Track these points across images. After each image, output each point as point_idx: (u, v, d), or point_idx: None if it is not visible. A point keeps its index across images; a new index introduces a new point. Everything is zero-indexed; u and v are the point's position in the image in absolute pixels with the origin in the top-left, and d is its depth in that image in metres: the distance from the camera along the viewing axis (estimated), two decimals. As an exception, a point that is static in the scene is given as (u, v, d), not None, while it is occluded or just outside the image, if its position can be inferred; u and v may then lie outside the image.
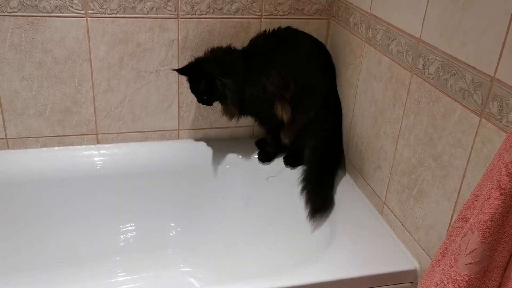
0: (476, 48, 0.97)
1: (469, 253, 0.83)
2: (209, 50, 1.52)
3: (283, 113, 1.51)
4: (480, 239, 0.81)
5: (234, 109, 1.52)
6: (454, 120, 1.05)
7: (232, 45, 1.56)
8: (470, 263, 0.83)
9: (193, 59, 1.51)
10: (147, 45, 1.55)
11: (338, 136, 1.62)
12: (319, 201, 1.43)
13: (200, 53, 1.57)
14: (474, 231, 0.82)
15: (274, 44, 1.52)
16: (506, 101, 0.90)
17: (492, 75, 0.94)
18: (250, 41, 1.57)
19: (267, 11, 1.59)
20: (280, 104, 1.51)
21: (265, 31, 1.55)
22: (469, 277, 0.83)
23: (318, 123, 1.54)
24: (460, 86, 1.02)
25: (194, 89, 1.52)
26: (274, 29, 1.54)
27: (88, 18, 1.46)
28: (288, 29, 1.55)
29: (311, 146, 1.55)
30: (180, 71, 1.50)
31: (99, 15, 1.47)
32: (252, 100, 1.51)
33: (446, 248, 0.93)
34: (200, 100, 1.53)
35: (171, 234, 1.74)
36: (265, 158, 1.68)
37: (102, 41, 1.50)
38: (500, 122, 0.92)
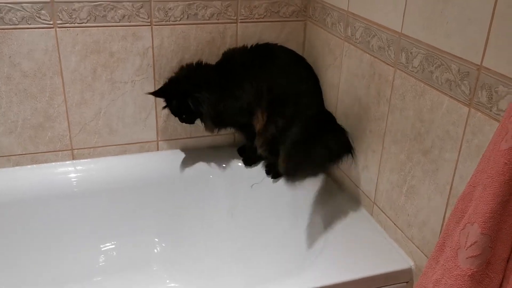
0: (461, 38, 0.95)
1: (469, 246, 0.80)
2: (180, 68, 1.51)
3: (258, 122, 1.49)
4: (480, 231, 0.78)
5: (211, 123, 1.50)
6: (442, 113, 1.03)
7: (203, 60, 1.53)
8: (471, 256, 0.80)
9: (166, 80, 1.49)
10: (120, 55, 1.49)
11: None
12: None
13: (176, 60, 1.54)
14: (474, 222, 0.80)
15: (249, 59, 1.51)
16: (495, 89, 0.89)
17: (479, 64, 0.92)
18: (224, 53, 1.55)
19: (243, 14, 1.56)
20: (259, 112, 1.48)
21: (243, 46, 1.54)
22: (471, 271, 0.80)
23: (295, 134, 1.49)
24: (446, 77, 1.00)
25: (172, 110, 1.50)
26: (252, 45, 1.53)
27: (57, 29, 1.41)
28: (267, 45, 1.54)
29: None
30: (155, 93, 1.48)
31: (68, 25, 1.41)
32: (228, 112, 1.50)
33: (444, 243, 0.90)
34: (181, 120, 1.51)
35: (155, 250, 1.67)
36: (249, 162, 1.64)
37: (73, 52, 1.44)
38: (490, 110, 0.90)
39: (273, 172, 1.58)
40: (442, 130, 1.03)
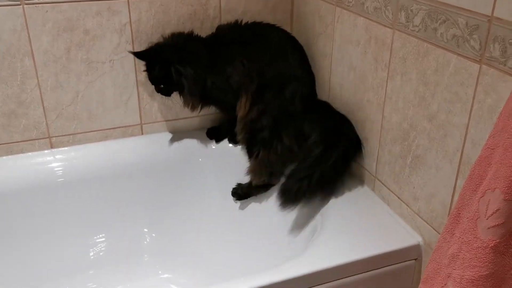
0: (468, -13, 0.86)
1: (491, 215, 0.72)
2: (169, 35, 1.40)
3: (242, 107, 1.40)
4: (503, 197, 0.70)
5: (194, 99, 1.41)
6: (449, 73, 0.94)
7: (195, 32, 1.44)
8: (494, 226, 0.72)
9: (152, 44, 1.39)
10: (96, 32, 1.38)
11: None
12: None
13: (157, 36, 1.43)
14: (495, 188, 0.71)
15: (243, 36, 1.42)
16: (510, 40, 0.80)
17: (490, 15, 0.83)
18: (217, 28, 1.47)
19: (226, -16, 1.46)
20: (244, 97, 1.39)
21: (236, 21, 1.44)
22: (494, 242, 0.72)
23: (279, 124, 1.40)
24: (452, 33, 0.91)
25: (150, 77, 1.39)
26: (247, 21, 1.44)
27: (25, 6, 1.29)
28: (261, 23, 1.45)
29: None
30: (137, 54, 1.38)
31: (36, 1, 1.29)
32: (214, 90, 1.41)
33: (459, 213, 0.81)
34: (158, 89, 1.41)
35: (145, 240, 1.58)
36: (213, 136, 1.57)
37: (43, 31, 1.33)
38: (505, 65, 0.81)
39: (238, 195, 1.48)
40: (449, 92, 0.95)
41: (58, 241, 1.48)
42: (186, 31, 1.43)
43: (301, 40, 1.50)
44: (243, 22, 1.44)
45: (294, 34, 1.54)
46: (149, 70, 1.38)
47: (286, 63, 1.40)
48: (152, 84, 1.41)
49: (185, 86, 1.36)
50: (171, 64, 1.34)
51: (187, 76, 1.35)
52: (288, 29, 1.54)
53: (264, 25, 1.45)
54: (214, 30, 1.47)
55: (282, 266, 1.05)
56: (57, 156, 1.48)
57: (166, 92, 1.41)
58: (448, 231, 0.84)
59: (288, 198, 1.23)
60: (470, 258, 0.76)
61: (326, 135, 1.28)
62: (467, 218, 0.78)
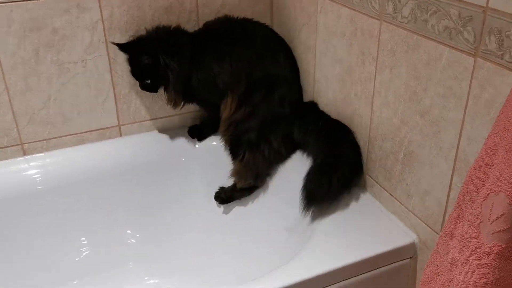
0: (460, -24, 0.82)
1: (495, 220, 0.69)
2: (153, 28, 1.33)
3: (228, 107, 1.34)
4: (508, 201, 0.66)
5: (177, 96, 1.34)
6: (441, 66, 0.90)
7: (182, 26, 1.37)
8: (498, 231, 0.68)
9: (134, 38, 1.32)
10: (65, 31, 1.30)
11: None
12: None
13: (131, 33, 1.36)
14: (499, 192, 0.68)
15: (231, 33, 1.36)
16: (507, 33, 0.76)
17: (484, 5, 0.79)
18: (205, 24, 1.40)
19: (202, -25, 1.39)
20: (230, 97, 1.33)
21: (226, 16, 1.39)
22: (499, 247, 0.69)
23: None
24: (444, 25, 0.87)
25: (135, 71, 1.32)
26: (237, 17, 1.38)
27: (-14, 6, 1.20)
28: (250, 21, 1.39)
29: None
30: (121, 46, 1.29)
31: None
32: (199, 88, 1.34)
33: (459, 216, 0.78)
34: (143, 85, 1.33)
35: (130, 245, 1.51)
36: (195, 134, 1.50)
37: (9, 32, 1.24)
38: (502, 58, 0.77)
39: (221, 199, 1.42)
40: (442, 87, 0.91)
41: (40, 251, 1.41)
42: (172, 25, 1.35)
43: (282, 33, 1.44)
44: (230, 18, 1.38)
45: (275, 26, 1.49)
46: (133, 63, 1.31)
47: (274, 64, 1.35)
48: (137, 79, 1.33)
49: (170, 80, 1.29)
50: (159, 54, 1.27)
51: (172, 70, 1.28)
52: (268, 21, 1.49)
53: (252, 23, 1.40)
54: (191, 24, 1.40)
55: (274, 273, 1.01)
56: (32, 163, 1.40)
57: (152, 88, 1.33)
58: (448, 233, 0.81)
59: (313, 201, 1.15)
60: (473, 264, 0.73)
61: (326, 160, 1.22)
62: (469, 221, 0.75)
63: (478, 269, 0.72)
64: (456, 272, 0.77)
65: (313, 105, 1.35)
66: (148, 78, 1.30)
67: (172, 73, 1.28)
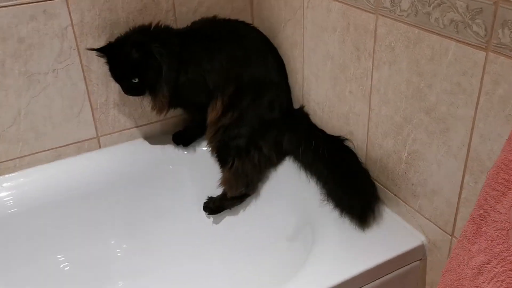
0: (468, -34, 0.77)
1: (527, 227, 0.65)
2: (133, 27, 1.25)
3: (215, 109, 1.27)
4: (542, 207, 0.62)
5: (164, 97, 1.24)
6: (448, 61, 0.85)
7: (162, 23, 1.28)
8: (532, 239, 0.65)
9: (112, 40, 1.23)
10: (33, 40, 1.20)
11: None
12: None
13: (104, 38, 1.26)
14: (531, 197, 0.64)
15: (221, 33, 1.29)
16: (522, 25, 0.71)
17: (495, -4, 0.74)
18: (193, 23, 1.32)
19: (177, -28, 1.30)
20: (220, 99, 1.25)
21: (214, 17, 1.32)
22: (532, 255, 0.65)
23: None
24: (450, 18, 0.82)
25: (120, 72, 1.21)
26: (224, 18, 1.32)
27: None
28: (239, 22, 1.33)
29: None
30: (100, 50, 1.20)
31: (-44, 10, 1.09)
32: (188, 87, 1.25)
33: (481, 221, 0.74)
34: (129, 86, 1.22)
35: (116, 259, 1.42)
36: (180, 140, 1.42)
37: (-31, 44, 1.13)
38: (517, 52, 0.73)
39: (210, 209, 1.36)
40: (449, 83, 0.86)
41: (18, 277, 1.31)
42: (153, 23, 1.26)
43: (264, 28, 1.37)
44: (218, 19, 1.31)
45: (256, 22, 1.42)
46: (117, 63, 1.21)
47: (263, 68, 1.28)
48: (122, 81, 1.23)
49: (163, 72, 1.19)
50: (150, 44, 1.17)
51: (165, 59, 1.19)
52: (248, 18, 1.41)
53: (240, 24, 1.33)
54: (168, 25, 1.32)
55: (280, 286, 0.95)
56: (4, 185, 1.29)
57: (140, 88, 1.22)
58: (468, 238, 0.76)
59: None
60: (503, 273, 0.69)
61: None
62: (494, 227, 0.70)
63: (510, 278, 0.68)
64: (482, 281, 0.73)
65: (305, 116, 1.29)
66: (136, 76, 1.19)
67: (165, 64, 1.19)
